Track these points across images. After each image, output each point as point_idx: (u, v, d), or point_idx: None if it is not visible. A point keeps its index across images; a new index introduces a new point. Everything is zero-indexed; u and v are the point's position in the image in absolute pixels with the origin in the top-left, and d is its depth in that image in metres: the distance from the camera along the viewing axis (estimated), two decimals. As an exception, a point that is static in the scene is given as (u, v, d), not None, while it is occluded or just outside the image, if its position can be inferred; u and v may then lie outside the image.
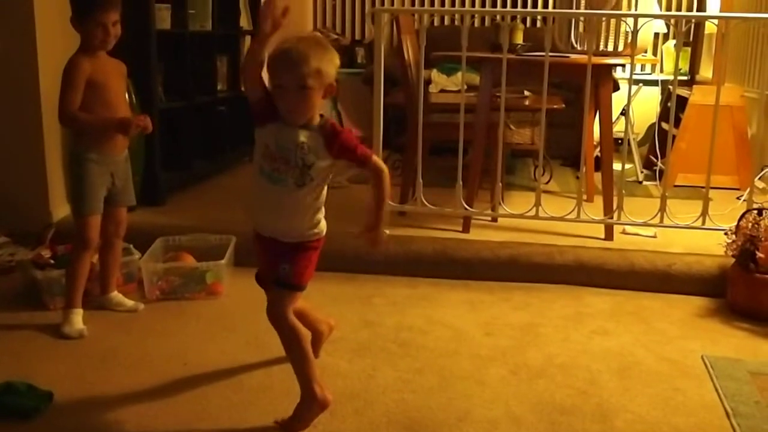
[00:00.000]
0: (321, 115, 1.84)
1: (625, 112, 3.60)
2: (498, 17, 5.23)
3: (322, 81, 1.76)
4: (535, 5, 5.99)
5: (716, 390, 2.12)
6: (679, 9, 5.87)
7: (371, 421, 1.91)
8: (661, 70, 5.48)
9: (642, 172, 4.62)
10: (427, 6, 6.10)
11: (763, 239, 2.72)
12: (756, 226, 2.79)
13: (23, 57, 3.16)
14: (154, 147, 3.54)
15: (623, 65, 3.83)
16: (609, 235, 3.23)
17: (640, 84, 4.95)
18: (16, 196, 3.30)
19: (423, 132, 3.29)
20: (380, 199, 1.89)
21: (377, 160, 1.90)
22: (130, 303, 2.66)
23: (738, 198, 3.85)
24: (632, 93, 3.30)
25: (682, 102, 4.44)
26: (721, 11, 4.99)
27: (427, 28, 3.22)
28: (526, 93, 4.37)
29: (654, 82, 5.16)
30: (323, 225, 1.92)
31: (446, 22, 6.02)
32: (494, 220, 3.45)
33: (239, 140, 4.53)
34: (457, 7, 6.09)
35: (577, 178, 3.85)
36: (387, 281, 3.00)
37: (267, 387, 2.09)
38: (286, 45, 1.76)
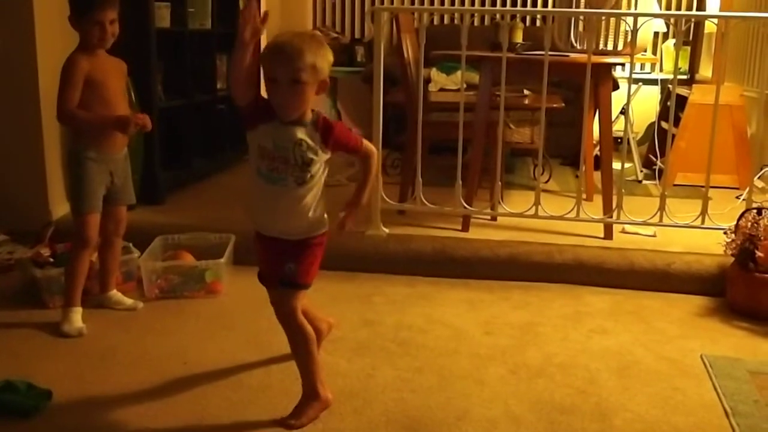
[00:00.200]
0: (312, 111, 1.84)
1: (624, 111, 3.60)
2: (498, 16, 5.23)
3: (316, 76, 1.76)
4: (534, 4, 5.99)
5: (715, 389, 2.13)
6: (678, 8, 5.87)
7: (370, 420, 1.91)
8: (661, 69, 5.47)
9: (641, 171, 4.63)
10: (426, 5, 6.09)
11: (762, 238, 2.72)
12: (755, 225, 2.79)
13: (23, 56, 3.16)
14: (153, 145, 3.54)
15: (623, 64, 3.83)
16: (608, 234, 3.23)
17: (640, 83, 4.94)
18: (15, 195, 3.30)
19: (422, 131, 3.29)
20: (365, 180, 1.94)
21: (367, 144, 1.94)
22: (129, 301, 2.66)
23: (737, 197, 3.85)
24: (632, 92, 3.29)
25: (681, 101, 4.44)
26: (720, 10, 4.99)
27: (427, 27, 3.22)
28: (526, 92, 4.37)
29: (653, 81, 5.16)
30: (326, 220, 1.92)
31: (446, 20, 6.01)
32: (494, 219, 3.45)
33: (239, 139, 4.46)
34: (456, 6, 6.08)
35: (577, 177, 3.85)
36: (386, 280, 3.00)
37: (266, 386, 2.09)
38: (281, 39, 1.76)
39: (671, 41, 5.55)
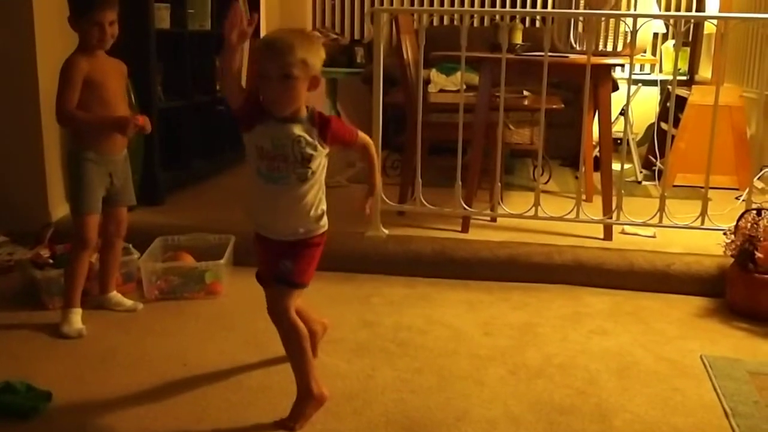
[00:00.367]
0: (307, 106, 1.83)
1: (624, 112, 3.60)
2: (497, 17, 5.23)
3: (307, 71, 1.75)
4: (534, 5, 5.99)
5: (715, 390, 2.12)
6: (678, 9, 5.88)
7: (370, 421, 1.91)
8: (660, 70, 5.47)
9: (641, 172, 4.63)
10: (426, 6, 6.10)
11: (761, 239, 2.72)
12: (755, 226, 2.79)
13: (22, 57, 3.16)
14: (153, 146, 3.54)
15: (622, 65, 3.83)
16: (608, 235, 3.23)
17: (639, 84, 4.94)
18: (14, 196, 3.30)
19: (422, 132, 3.29)
20: (371, 166, 2.00)
21: (362, 135, 1.96)
22: (129, 303, 2.66)
23: (737, 198, 3.85)
24: (631, 93, 3.29)
25: (681, 102, 4.44)
26: (720, 11, 4.99)
27: (427, 28, 3.22)
28: (525, 93, 4.37)
29: (653, 82, 5.16)
30: (326, 220, 1.92)
31: (445, 21, 6.01)
32: (493, 220, 3.46)
33: (238, 140, 4.46)
34: (456, 7, 6.08)
35: (576, 178, 3.85)
36: (386, 281, 3.00)
37: (266, 387, 2.09)
38: (272, 36, 1.77)
39: (671, 42, 5.55)
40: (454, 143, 3.24)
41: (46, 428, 1.86)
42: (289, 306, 1.86)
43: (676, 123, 4.34)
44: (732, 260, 2.82)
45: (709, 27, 5.20)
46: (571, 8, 3.56)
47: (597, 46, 3.52)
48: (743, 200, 3.30)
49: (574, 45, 3.60)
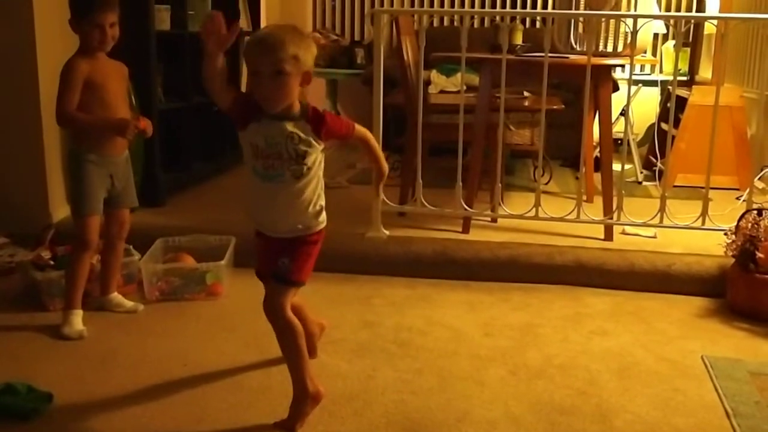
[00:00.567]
0: (301, 103, 1.82)
1: (624, 113, 3.60)
2: (497, 18, 5.23)
3: (299, 67, 1.74)
4: (534, 6, 6.00)
5: (716, 390, 2.12)
6: (678, 9, 5.88)
7: (370, 422, 1.91)
8: (661, 71, 5.47)
9: (641, 172, 4.62)
10: (426, 7, 6.10)
11: (762, 239, 2.72)
12: (756, 226, 2.78)
13: (23, 58, 3.16)
14: (153, 148, 3.54)
15: (623, 66, 3.83)
16: (609, 235, 3.23)
17: (640, 84, 4.94)
18: (15, 197, 3.30)
19: (422, 133, 3.29)
20: (375, 156, 2.00)
21: (359, 128, 1.94)
22: (129, 304, 2.66)
23: (737, 198, 3.85)
24: (632, 93, 3.29)
25: (681, 102, 4.44)
26: (720, 12, 4.99)
27: (427, 29, 3.22)
28: (526, 94, 4.37)
29: (653, 83, 5.16)
30: (324, 215, 1.92)
31: (446, 22, 6.02)
32: (494, 220, 3.46)
33: (238, 141, 4.51)
34: (456, 8, 6.09)
35: (577, 178, 3.85)
36: (386, 282, 3.00)
37: (266, 388, 2.09)
38: (262, 32, 1.77)
39: (671, 42, 5.55)
40: (454, 144, 3.25)
41: (47, 429, 1.86)
42: (284, 303, 1.85)
43: (677, 123, 4.34)
44: (733, 260, 2.82)
45: (710, 27, 5.20)
46: (571, 9, 3.56)
47: (597, 46, 3.52)
48: (744, 200, 3.30)
49: (575, 46, 3.60)
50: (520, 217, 3.25)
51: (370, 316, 2.65)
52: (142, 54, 3.45)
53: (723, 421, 1.96)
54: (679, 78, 4.05)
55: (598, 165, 3.39)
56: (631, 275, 2.98)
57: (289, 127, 1.79)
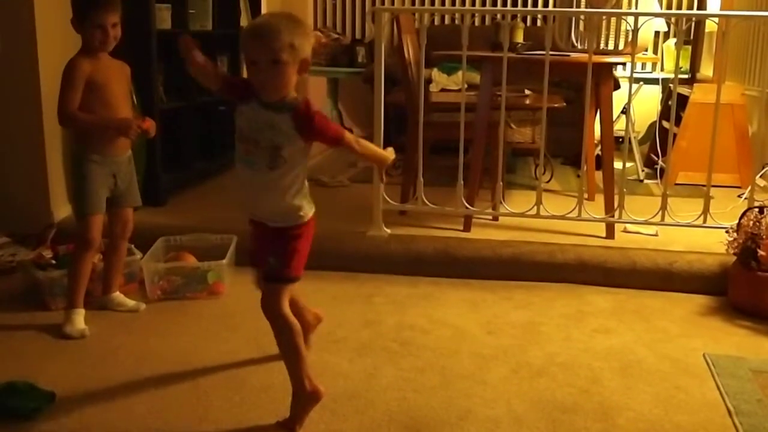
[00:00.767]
0: (296, 97, 1.81)
1: (625, 111, 3.60)
2: (498, 16, 5.22)
3: (295, 55, 1.73)
4: (535, 4, 5.99)
5: (718, 388, 2.12)
6: (679, 7, 5.87)
7: (373, 420, 1.91)
8: (662, 69, 5.48)
9: (643, 170, 4.62)
10: (427, 5, 6.10)
11: (764, 237, 2.72)
12: (757, 224, 2.78)
13: (24, 58, 3.16)
14: (155, 147, 3.54)
15: (624, 64, 3.83)
16: (610, 233, 3.23)
17: (641, 82, 4.94)
18: (17, 196, 3.31)
19: (423, 131, 3.29)
20: (368, 157, 1.96)
21: (348, 138, 1.86)
22: (131, 303, 2.66)
23: (739, 196, 3.85)
24: (633, 91, 3.30)
25: (682, 100, 4.43)
26: (721, 9, 4.99)
27: (428, 27, 3.22)
28: (527, 92, 4.37)
29: (655, 81, 5.16)
30: (306, 210, 1.88)
31: (447, 21, 6.02)
32: (495, 219, 3.45)
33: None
34: (457, 6, 6.09)
35: (578, 176, 3.85)
36: (388, 280, 3.00)
37: (268, 386, 2.09)
38: (258, 21, 1.77)
39: (672, 40, 5.55)
40: (455, 142, 3.24)
41: (49, 428, 1.87)
42: (280, 302, 1.84)
43: (678, 121, 4.34)
44: (734, 258, 2.82)
45: (711, 25, 5.20)
46: (572, 7, 3.56)
47: (598, 44, 3.52)
48: (745, 198, 3.29)
49: (576, 44, 3.60)
50: (522, 215, 3.25)
51: (371, 315, 2.65)
52: (143, 53, 3.45)
53: (725, 419, 1.96)
54: (681, 76, 4.06)
55: (600, 163, 3.39)
56: (632, 273, 2.98)
57: (273, 117, 1.77)
